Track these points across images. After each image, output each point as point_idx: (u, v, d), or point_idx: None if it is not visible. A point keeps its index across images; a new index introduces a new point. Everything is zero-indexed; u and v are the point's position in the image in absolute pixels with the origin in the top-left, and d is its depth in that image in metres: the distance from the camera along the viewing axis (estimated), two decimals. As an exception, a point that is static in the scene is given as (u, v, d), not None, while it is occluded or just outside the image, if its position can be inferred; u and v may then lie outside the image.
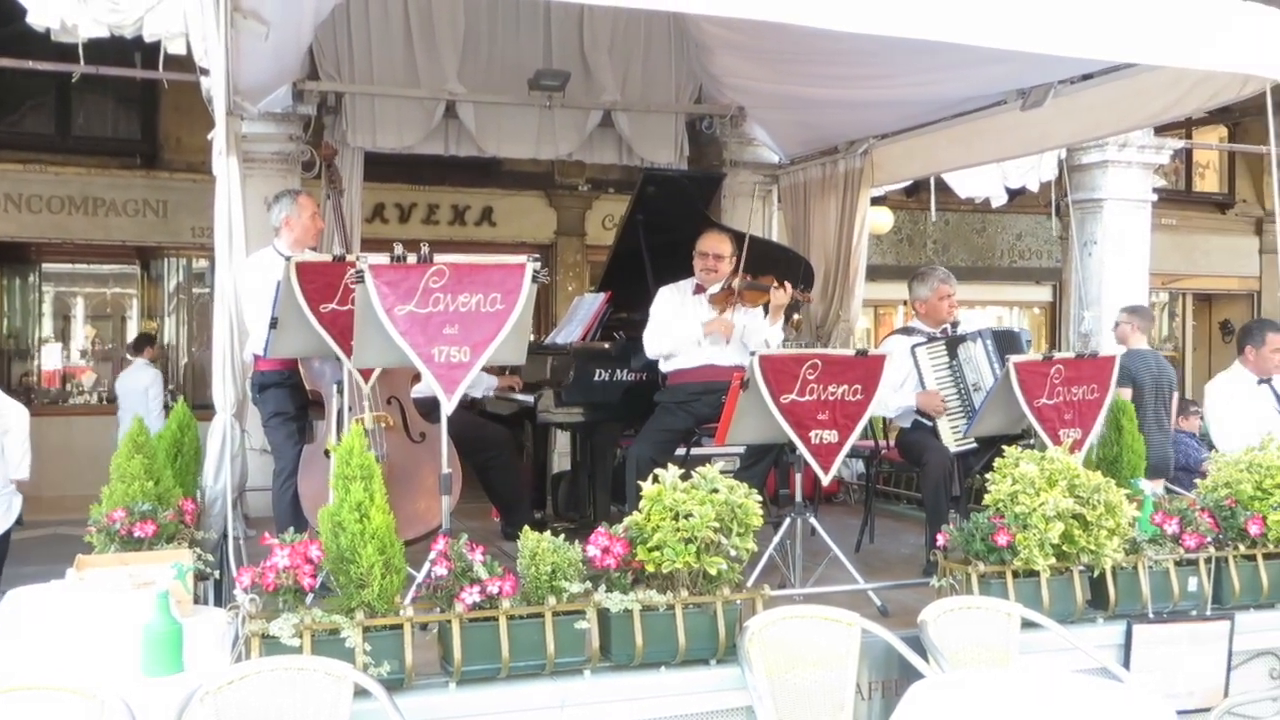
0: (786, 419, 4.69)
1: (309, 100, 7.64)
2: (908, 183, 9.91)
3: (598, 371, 6.13)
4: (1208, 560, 4.57)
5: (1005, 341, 5.84)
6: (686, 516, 3.76)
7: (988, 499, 4.37)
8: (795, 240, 8.51)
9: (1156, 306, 16.40)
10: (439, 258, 4.07)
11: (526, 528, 3.80)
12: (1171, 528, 4.53)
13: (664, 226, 6.56)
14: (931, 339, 5.89)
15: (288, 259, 4.77)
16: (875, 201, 12.98)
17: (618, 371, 6.13)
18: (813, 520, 4.94)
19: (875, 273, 14.36)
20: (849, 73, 6.68)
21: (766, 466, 5.61)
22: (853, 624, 3.88)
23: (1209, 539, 4.56)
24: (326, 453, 5.30)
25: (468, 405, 6.53)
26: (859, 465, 7.79)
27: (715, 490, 3.86)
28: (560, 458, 7.59)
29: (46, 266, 12.64)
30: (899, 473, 7.42)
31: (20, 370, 12.78)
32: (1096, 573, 4.36)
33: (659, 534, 3.77)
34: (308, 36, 6.20)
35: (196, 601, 4.01)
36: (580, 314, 6.86)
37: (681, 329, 5.73)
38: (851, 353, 4.88)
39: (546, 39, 8.25)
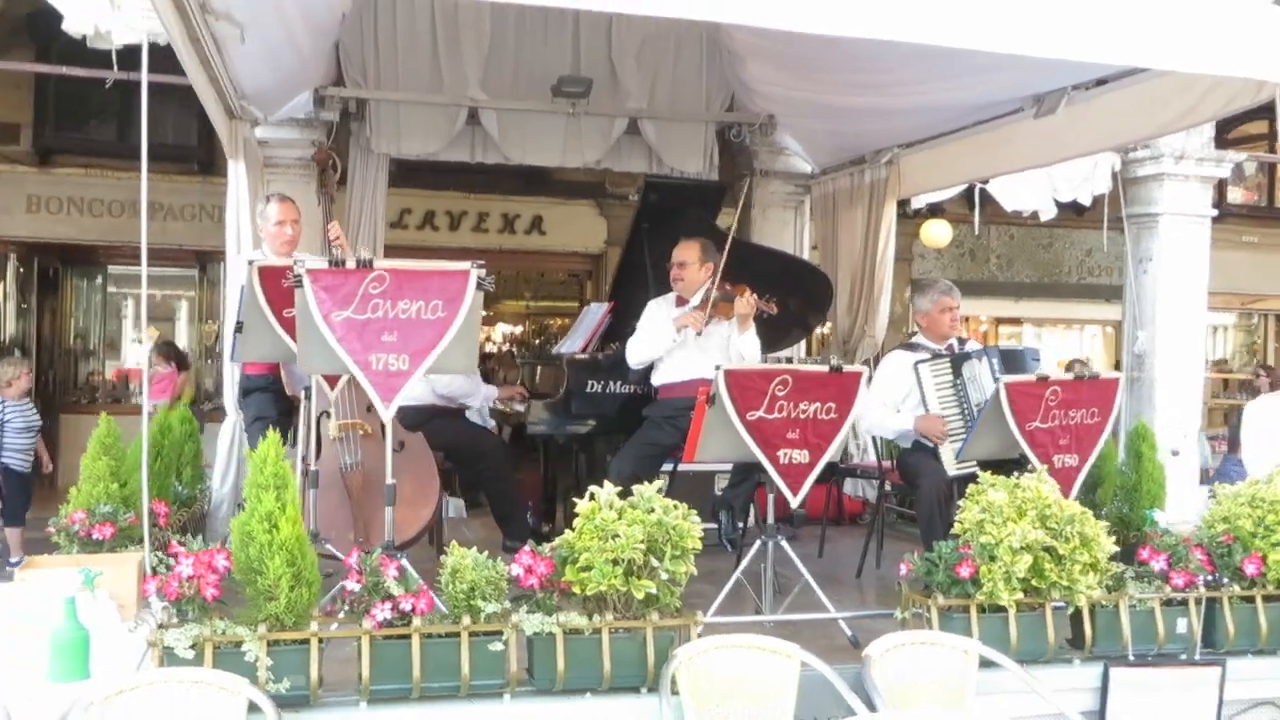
0: (753, 437, 4.50)
1: (330, 106, 7.65)
2: (946, 194, 9.56)
3: (590, 383, 6.01)
4: (1198, 600, 4.25)
5: (1013, 361, 5.57)
6: (614, 537, 3.61)
7: (956, 527, 4.13)
8: (824, 252, 8.30)
9: (1224, 328, 15.72)
10: (379, 264, 3.97)
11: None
12: (1159, 564, 4.23)
13: (669, 235, 6.40)
14: (936, 356, 5.63)
15: (250, 263, 4.73)
16: (933, 214, 12.78)
17: (611, 383, 6.00)
18: (784, 544, 4.73)
19: (936, 288, 14.07)
20: (870, 79, 6.48)
21: (754, 484, 5.41)
22: (791, 656, 3.69)
23: (1200, 578, 4.24)
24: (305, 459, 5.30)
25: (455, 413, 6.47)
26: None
27: (651, 510, 3.70)
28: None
29: (112, 269, 12.94)
30: (904, 494, 7.15)
31: (86, 369, 13.11)
32: (1071, 610, 4.09)
33: (587, 554, 3.63)
34: (309, 43, 6.18)
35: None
36: (585, 324, 6.74)
37: (653, 332, 5.58)
38: (825, 369, 4.66)
39: (575, 44, 8.16)
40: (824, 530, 6.67)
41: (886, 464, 6.03)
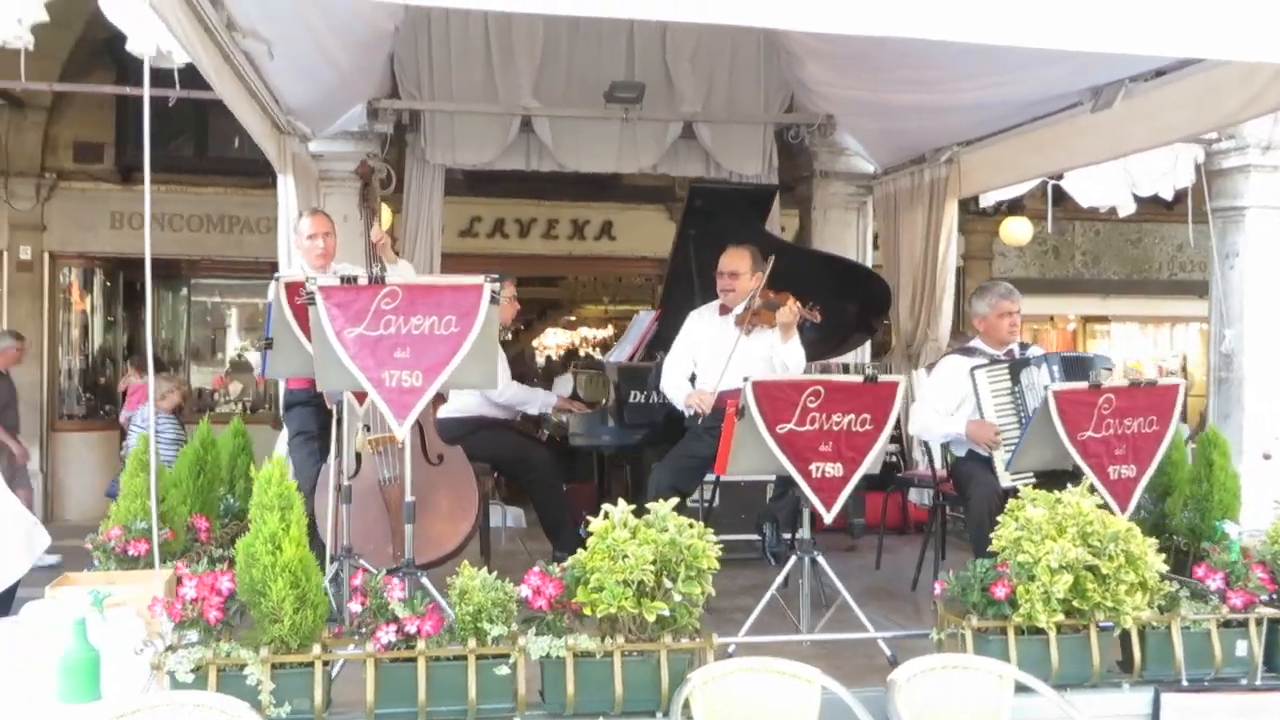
0: (784, 450, 4.35)
1: (384, 119, 7.69)
2: (1018, 191, 9.24)
3: (633, 394, 5.90)
4: (1259, 621, 3.99)
5: (1077, 368, 5.31)
6: (624, 557, 3.50)
7: (994, 544, 3.94)
8: (885, 254, 8.09)
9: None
10: (391, 279, 3.93)
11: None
12: (1215, 583, 3.98)
13: (717, 241, 6.27)
14: (994, 361, 5.41)
15: (276, 278, 4.73)
16: (1013, 211, 12.41)
17: (655, 394, 5.88)
18: (820, 559, 4.56)
19: (1019, 286, 13.61)
20: (921, 75, 6.29)
21: (792, 500, 5.25)
22: (812, 680, 3.53)
23: (1261, 597, 3.98)
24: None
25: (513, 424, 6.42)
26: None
27: (665, 529, 3.59)
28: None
29: (194, 281, 13.23)
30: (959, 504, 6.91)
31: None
32: (1118, 632, 3.86)
33: (598, 575, 3.53)
34: (349, 58, 6.19)
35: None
36: (633, 333, 6.66)
37: (675, 387, 5.45)
38: (859, 379, 4.48)
39: (629, 49, 8.09)
40: (881, 540, 6.48)
41: (942, 472, 5.83)
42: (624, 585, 3.49)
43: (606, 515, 3.67)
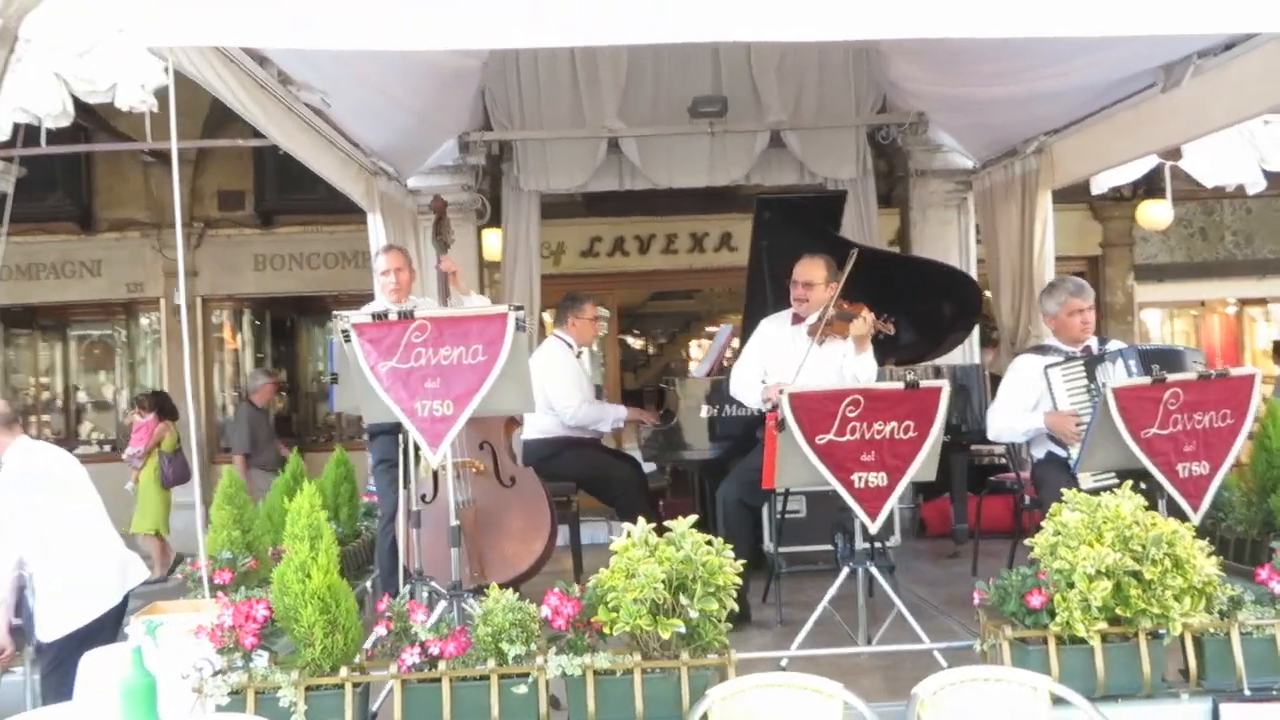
0: (824, 461, 4.32)
1: (474, 151, 7.93)
2: (1129, 175, 8.81)
3: (705, 408, 5.92)
4: (1330, 626, 3.74)
5: (1159, 362, 5.06)
6: (634, 575, 3.55)
7: (1034, 551, 3.81)
8: (987, 250, 7.87)
9: None
10: (420, 313, 4.09)
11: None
12: (1278, 585, 3.75)
13: (790, 252, 6.24)
14: (1069, 359, 5.22)
15: (336, 315, 4.94)
16: (1150, 194, 11.85)
17: (728, 407, 5.88)
18: (873, 570, 4.49)
19: (1164, 272, 12.97)
20: (1001, 68, 6.14)
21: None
22: (834, 695, 3.49)
23: (1329, 599, 3.73)
24: (423, 497, 5.50)
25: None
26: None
27: (681, 548, 3.62)
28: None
29: (338, 313, 13.84)
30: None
31: (325, 410, 14.09)
32: (1168, 640, 3.68)
33: (614, 594, 3.58)
34: (420, 100, 6.41)
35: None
36: (715, 346, 6.67)
37: (747, 388, 5.41)
38: (900, 386, 4.40)
39: (714, 64, 8.13)
40: (976, 545, 6.33)
41: (1025, 475, 5.65)
42: (639, 603, 3.53)
43: (629, 534, 3.72)
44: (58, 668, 4.98)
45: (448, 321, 4.08)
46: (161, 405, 10.67)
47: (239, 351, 13.05)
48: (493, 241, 11.13)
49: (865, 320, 5.10)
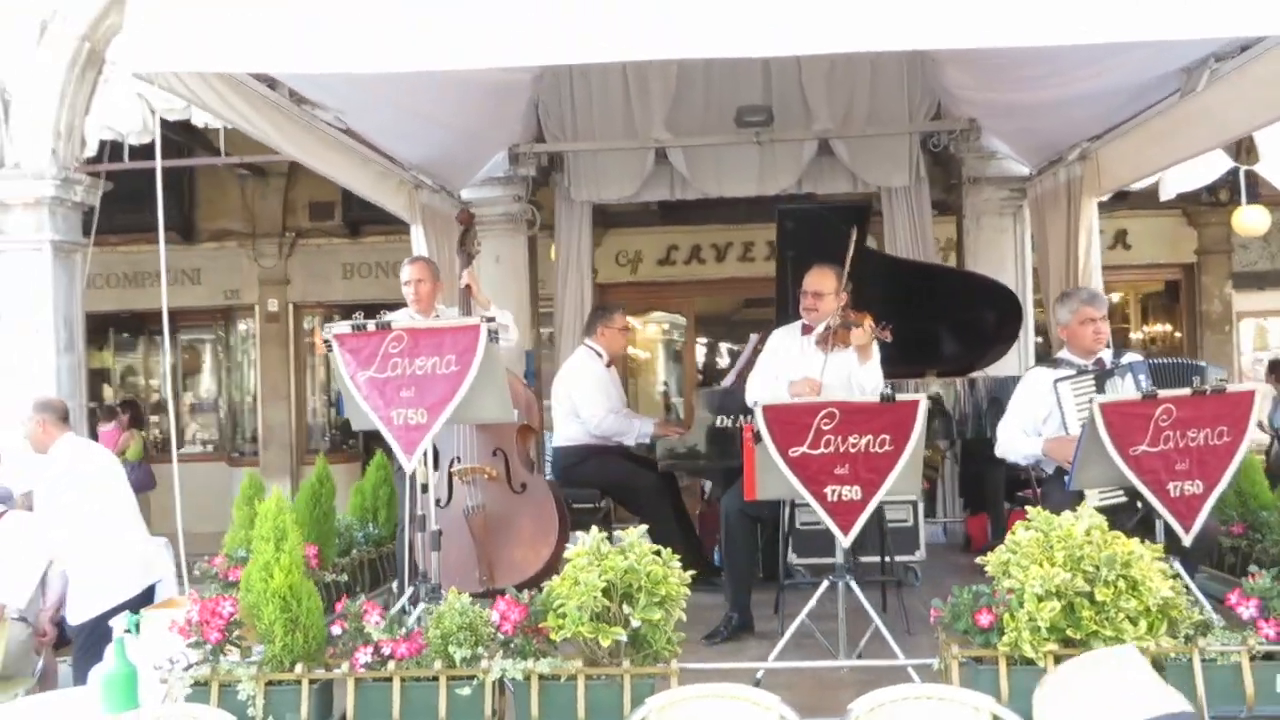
0: (796, 474, 4.31)
1: (524, 163, 8.09)
2: (1198, 182, 8.51)
3: (720, 418, 5.94)
4: (1305, 655, 3.58)
5: (1171, 375, 4.91)
6: (579, 584, 3.62)
7: (988, 569, 3.76)
8: (1039, 259, 7.70)
9: None
10: (397, 325, 4.23)
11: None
12: (1248, 611, 3.61)
13: (816, 261, 6.22)
14: (1081, 372, 5.10)
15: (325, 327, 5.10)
16: (1251, 199, 11.37)
17: (743, 418, 5.89)
18: (852, 583, 4.47)
19: (1263, 280, 12.43)
20: (1039, 71, 6.00)
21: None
22: (770, 708, 3.49)
23: (1301, 627, 3.57)
24: (438, 502, 5.66)
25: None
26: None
27: (626, 555, 3.68)
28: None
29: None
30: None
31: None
32: (1122, 663, 3.58)
33: (559, 601, 3.67)
34: (462, 118, 6.58)
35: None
36: (743, 356, 6.69)
37: (771, 388, 5.39)
38: (875, 399, 4.37)
39: (765, 72, 8.13)
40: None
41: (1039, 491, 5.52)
42: (581, 610, 3.61)
43: (580, 542, 3.80)
44: (86, 650, 5.33)
45: (423, 332, 4.22)
46: (132, 414, 11.10)
47: (329, 356, 13.51)
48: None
49: (865, 329, 5.07)
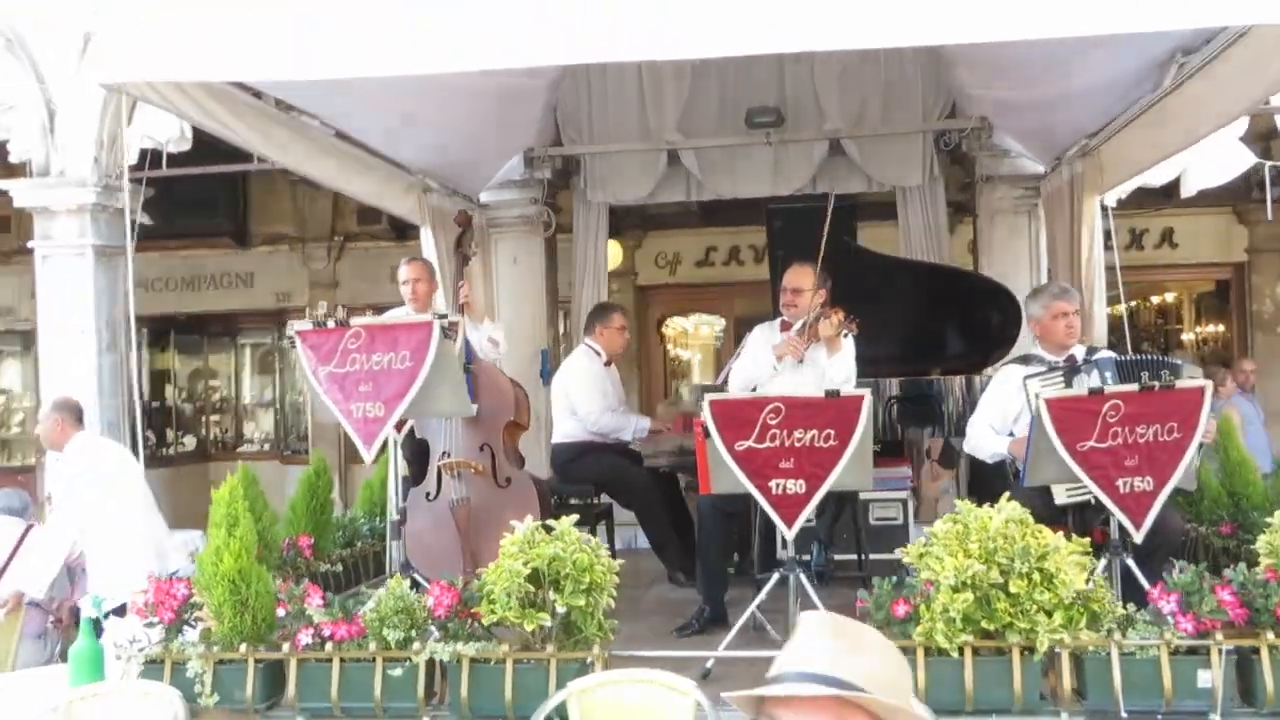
0: (742, 467, 4.39)
1: (539, 166, 8.25)
2: (1219, 181, 8.32)
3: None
4: (1228, 651, 3.56)
5: (1135, 372, 4.87)
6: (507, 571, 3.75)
7: (905, 559, 3.80)
8: (1049, 258, 7.62)
9: None
10: (356, 322, 4.41)
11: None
12: (1169, 605, 3.60)
13: (806, 260, 6.27)
14: (1052, 369, 5.08)
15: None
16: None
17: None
18: (802, 577, 4.53)
19: (1324, 280, 12.05)
20: (1033, 69, 6.01)
21: (830, 519, 5.20)
22: (687, 693, 3.59)
23: (1221, 622, 3.55)
24: (427, 495, 5.85)
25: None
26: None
27: (553, 543, 3.80)
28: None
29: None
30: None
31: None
32: (1037, 657, 3.60)
33: (489, 586, 3.80)
34: (477, 122, 6.74)
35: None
36: (738, 352, 6.75)
37: (757, 361, 5.49)
38: (820, 394, 4.43)
39: (779, 72, 8.16)
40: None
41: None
42: (508, 595, 3.74)
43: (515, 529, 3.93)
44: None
45: (379, 329, 4.39)
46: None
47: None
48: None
49: (832, 321, 5.13)
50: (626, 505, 6.57)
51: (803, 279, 5.50)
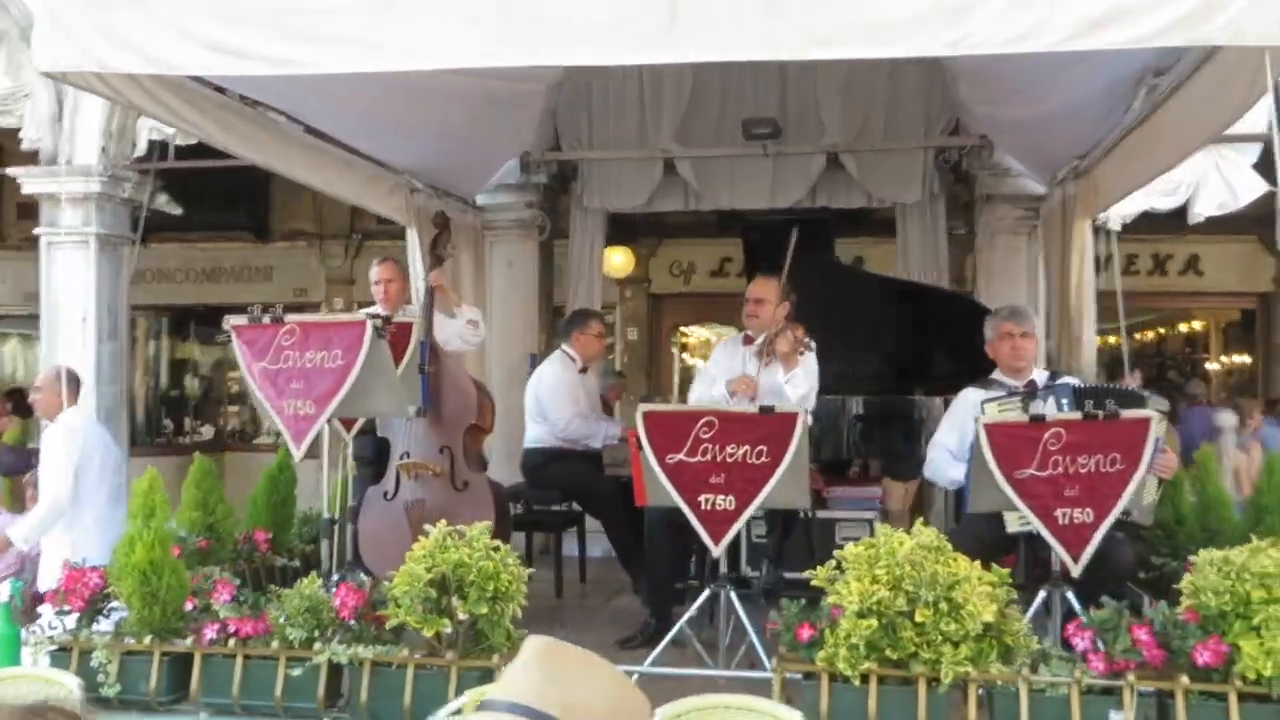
0: (672, 481, 4.31)
1: (535, 171, 8.21)
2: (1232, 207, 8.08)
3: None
4: (1149, 692, 3.42)
5: (1102, 400, 4.73)
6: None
7: (814, 581, 3.70)
8: (1047, 280, 7.45)
9: None
10: (290, 318, 4.39)
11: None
12: (1083, 643, 3.47)
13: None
14: (1011, 394, 4.96)
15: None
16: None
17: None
18: (732, 595, 4.43)
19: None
20: (1019, 85, 5.88)
21: (779, 536, 5.10)
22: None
23: (1134, 663, 3.41)
24: (385, 494, 5.84)
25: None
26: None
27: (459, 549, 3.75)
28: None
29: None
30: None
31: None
32: (942, 688, 3.48)
33: (394, 591, 3.76)
34: (472, 127, 6.72)
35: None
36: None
37: (708, 393, 5.40)
38: (754, 409, 4.33)
39: (781, 83, 8.07)
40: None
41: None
42: (411, 600, 3.69)
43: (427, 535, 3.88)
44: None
45: (313, 326, 4.37)
46: (17, 402, 11.44)
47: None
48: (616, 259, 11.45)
49: (786, 337, 5.05)
50: (593, 514, 6.52)
51: (766, 290, 5.42)
